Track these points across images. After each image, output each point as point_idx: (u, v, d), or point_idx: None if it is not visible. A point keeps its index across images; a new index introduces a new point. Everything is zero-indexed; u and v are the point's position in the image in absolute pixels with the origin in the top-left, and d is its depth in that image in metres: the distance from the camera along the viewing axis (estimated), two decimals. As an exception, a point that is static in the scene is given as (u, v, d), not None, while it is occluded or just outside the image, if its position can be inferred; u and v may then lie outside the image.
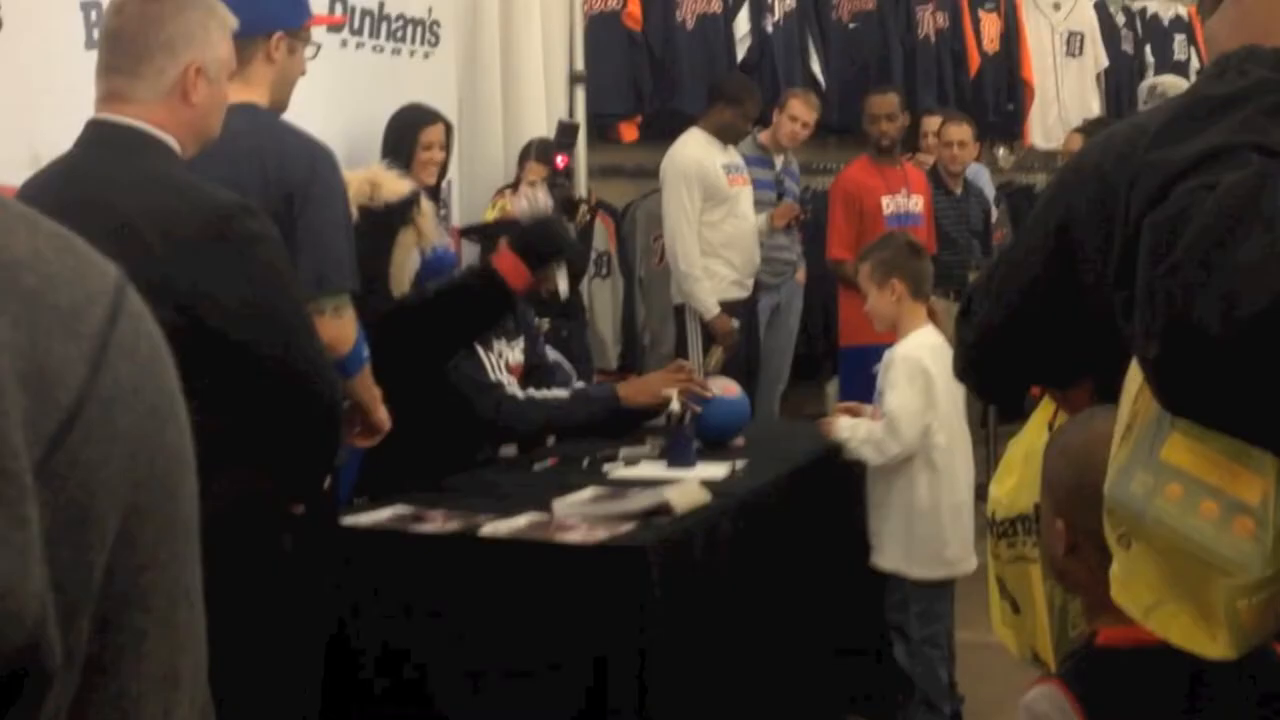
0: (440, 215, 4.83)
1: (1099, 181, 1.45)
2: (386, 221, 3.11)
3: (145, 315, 0.61)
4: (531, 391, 3.69)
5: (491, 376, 3.68)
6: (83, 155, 2.27)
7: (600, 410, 3.77)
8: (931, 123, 6.84)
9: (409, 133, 4.68)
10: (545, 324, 4.24)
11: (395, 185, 3.15)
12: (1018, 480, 1.84)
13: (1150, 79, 6.72)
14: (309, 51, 3.02)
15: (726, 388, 3.97)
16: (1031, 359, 1.67)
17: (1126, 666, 1.52)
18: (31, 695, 0.53)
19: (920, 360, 3.74)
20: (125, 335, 0.58)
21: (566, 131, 5.04)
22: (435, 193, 4.84)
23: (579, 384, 3.80)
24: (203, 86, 2.28)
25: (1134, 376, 1.22)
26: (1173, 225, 1.10)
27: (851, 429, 3.75)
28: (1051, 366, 1.68)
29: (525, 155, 5.32)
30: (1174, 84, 6.27)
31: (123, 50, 2.25)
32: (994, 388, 1.84)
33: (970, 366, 1.78)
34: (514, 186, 5.19)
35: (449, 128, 4.81)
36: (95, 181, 2.20)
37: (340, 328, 2.70)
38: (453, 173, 5.02)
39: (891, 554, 3.78)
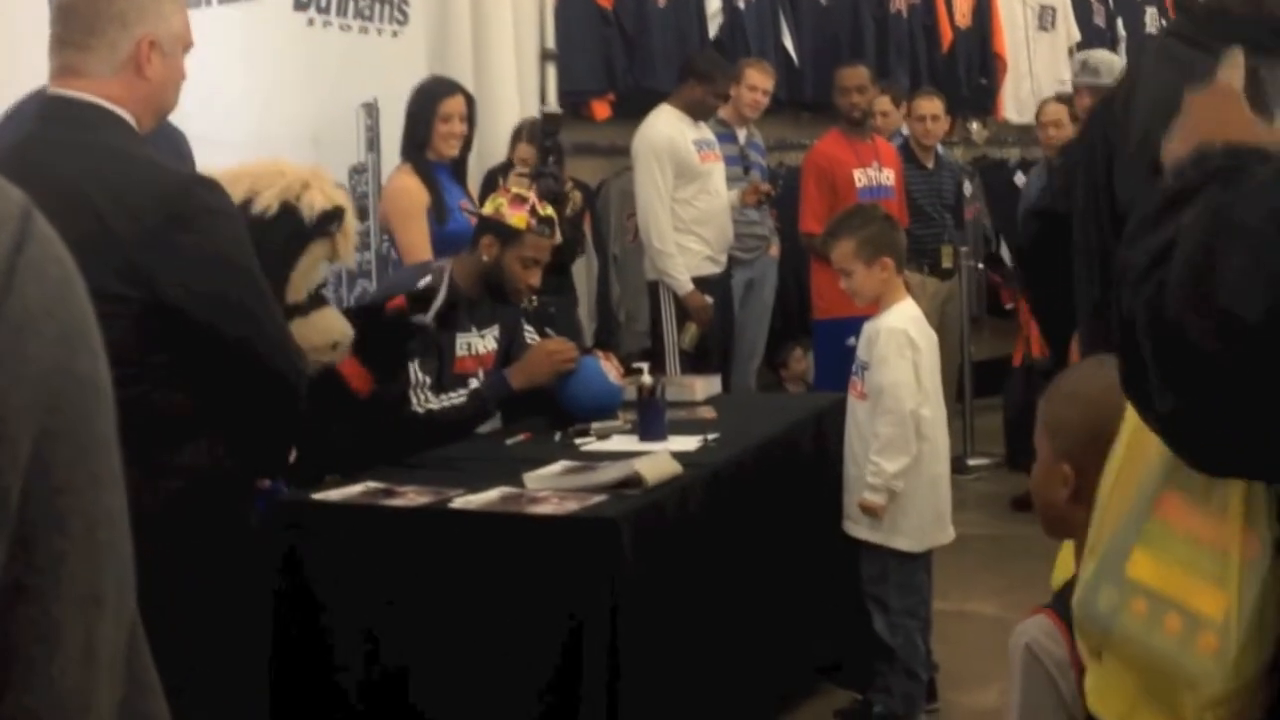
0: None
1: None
2: (301, 228, 2.94)
3: (54, 240, 0.61)
4: (431, 404, 3.70)
5: (413, 381, 3.70)
6: (39, 130, 2.26)
7: (495, 405, 3.87)
8: (882, 102, 6.83)
9: (427, 105, 4.64)
10: (533, 301, 4.24)
11: (325, 194, 2.99)
12: None
13: (1082, 54, 6.73)
14: None
15: (610, 367, 4.01)
16: None
17: None
18: None
19: (906, 332, 3.74)
20: (33, 260, 0.59)
21: (549, 121, 5.03)
22: (460, 165, 4.82)
23: (474, 383, 3.83)
24: (157, 60, 2.26)
25: (1103, 495, 1.27)
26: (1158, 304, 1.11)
27: (874, 475, 3.69)
28: None
29: (516, 137, 5.31)
30: (1104, 59, 6.29)
31: (74, 24, 2.24)
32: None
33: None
34: (505, 170, 5.19)
35: (470, 99, 4.77)
36: (51, 156, 2.19)
37: None
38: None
39: (875, 525, 3.77)
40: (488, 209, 3.99)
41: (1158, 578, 1.19)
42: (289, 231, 2.88)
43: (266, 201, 2.85)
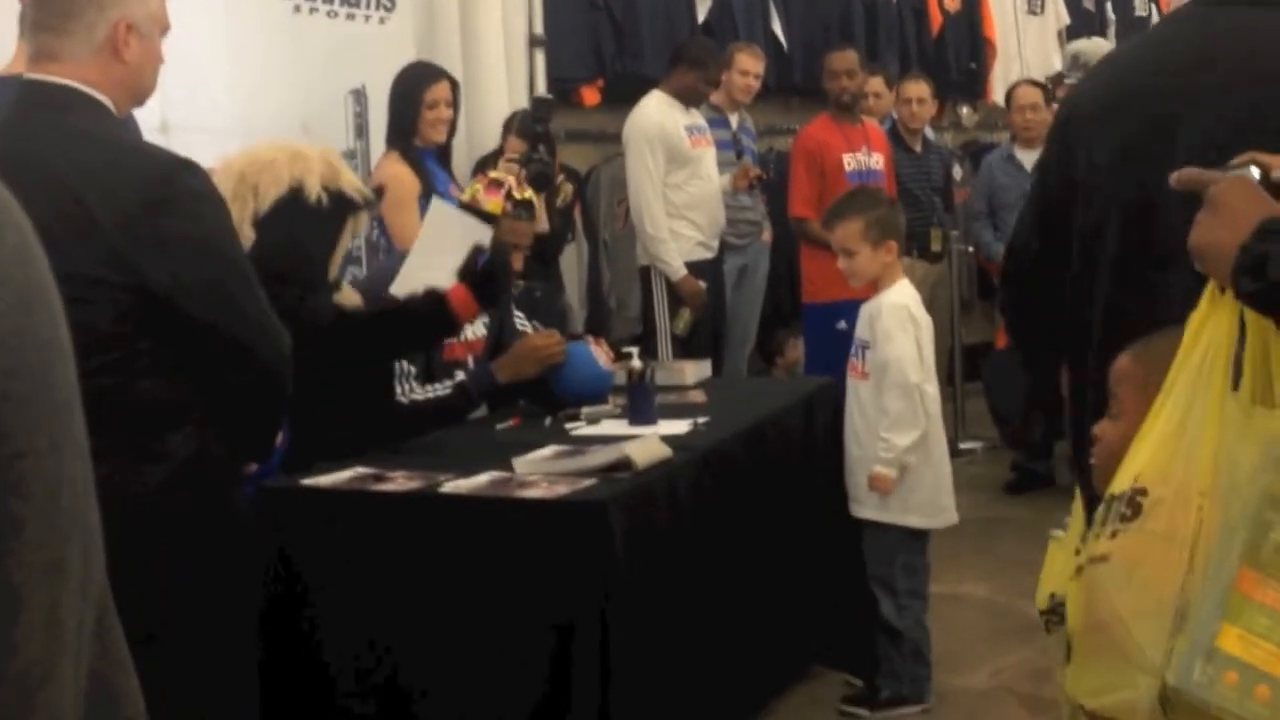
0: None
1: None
2: (350, 208, 3.21)
3: (12, 206, 0.60)
4: (416, 395, 3.69)
5: (397, 371, 3.69)
6: (16, 116, 2.25)
7: (480, 398, 3.84)
8: (874, 83, 6.83)
9: (413, 92, 4.62)
10: (518, 285, 4.23)
11: (349, 173, 3.26)
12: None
13: (1071, 46, 6.70)
14: None
15: (601, 353, 4.00)
16: None
17: None
18: None
19: (909, 308, 3.76)
20: None
21: (540, 107, 5.01)
22: (446, 151, 4.81)
23: (461, 374, 3.81)
24: (134, 43, 2.24)
25: (1170, 559, 1.36)
26: None
27: (886, 450, 3.69)
28: None
29: (506, 129, 5.30)
30: (1094, 50, 6.27)
31: (51, 7, 2.22)
32: None
33: None
34: (494, 158, 5.18)
35: (455, 84, 4.75)
36: (30, 141, 2.17)
37: None
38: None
39: (884, 505, 3.77)
40: (465, 195, 3.99)
41: (1244, 650, 1.28)
42: (338, 213, 3.17)
43: (315, 190, 3.12)
